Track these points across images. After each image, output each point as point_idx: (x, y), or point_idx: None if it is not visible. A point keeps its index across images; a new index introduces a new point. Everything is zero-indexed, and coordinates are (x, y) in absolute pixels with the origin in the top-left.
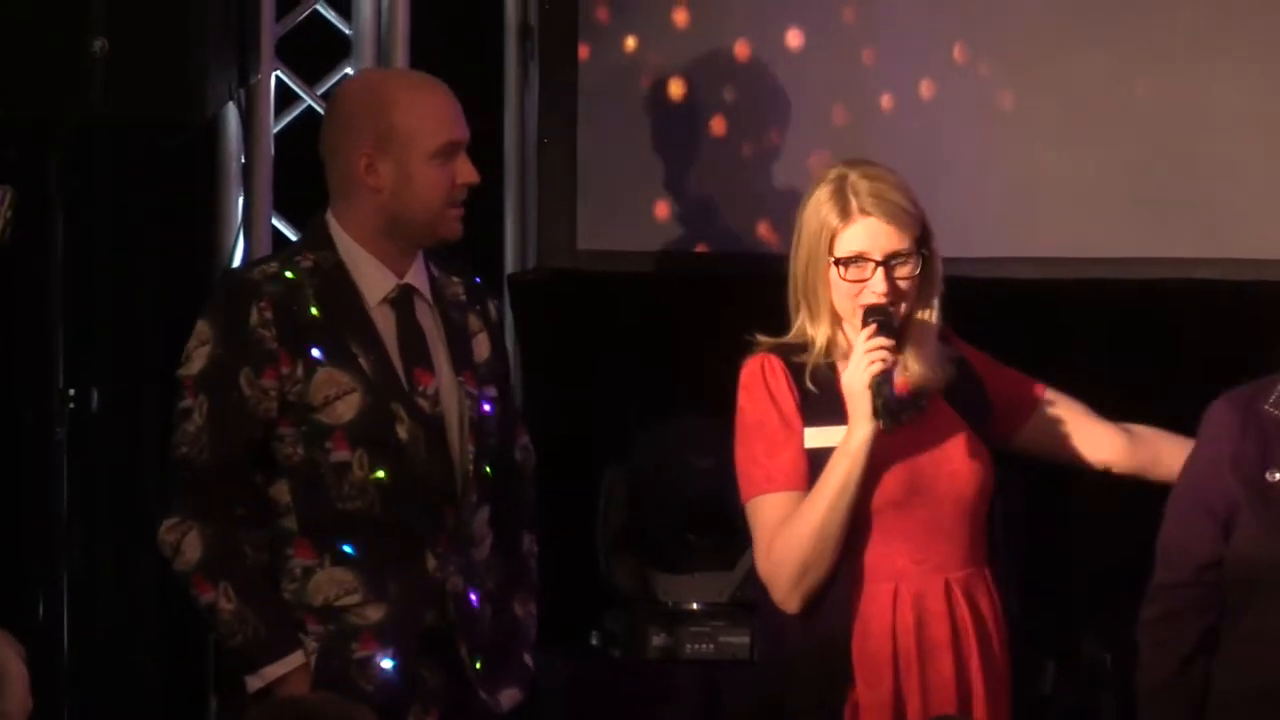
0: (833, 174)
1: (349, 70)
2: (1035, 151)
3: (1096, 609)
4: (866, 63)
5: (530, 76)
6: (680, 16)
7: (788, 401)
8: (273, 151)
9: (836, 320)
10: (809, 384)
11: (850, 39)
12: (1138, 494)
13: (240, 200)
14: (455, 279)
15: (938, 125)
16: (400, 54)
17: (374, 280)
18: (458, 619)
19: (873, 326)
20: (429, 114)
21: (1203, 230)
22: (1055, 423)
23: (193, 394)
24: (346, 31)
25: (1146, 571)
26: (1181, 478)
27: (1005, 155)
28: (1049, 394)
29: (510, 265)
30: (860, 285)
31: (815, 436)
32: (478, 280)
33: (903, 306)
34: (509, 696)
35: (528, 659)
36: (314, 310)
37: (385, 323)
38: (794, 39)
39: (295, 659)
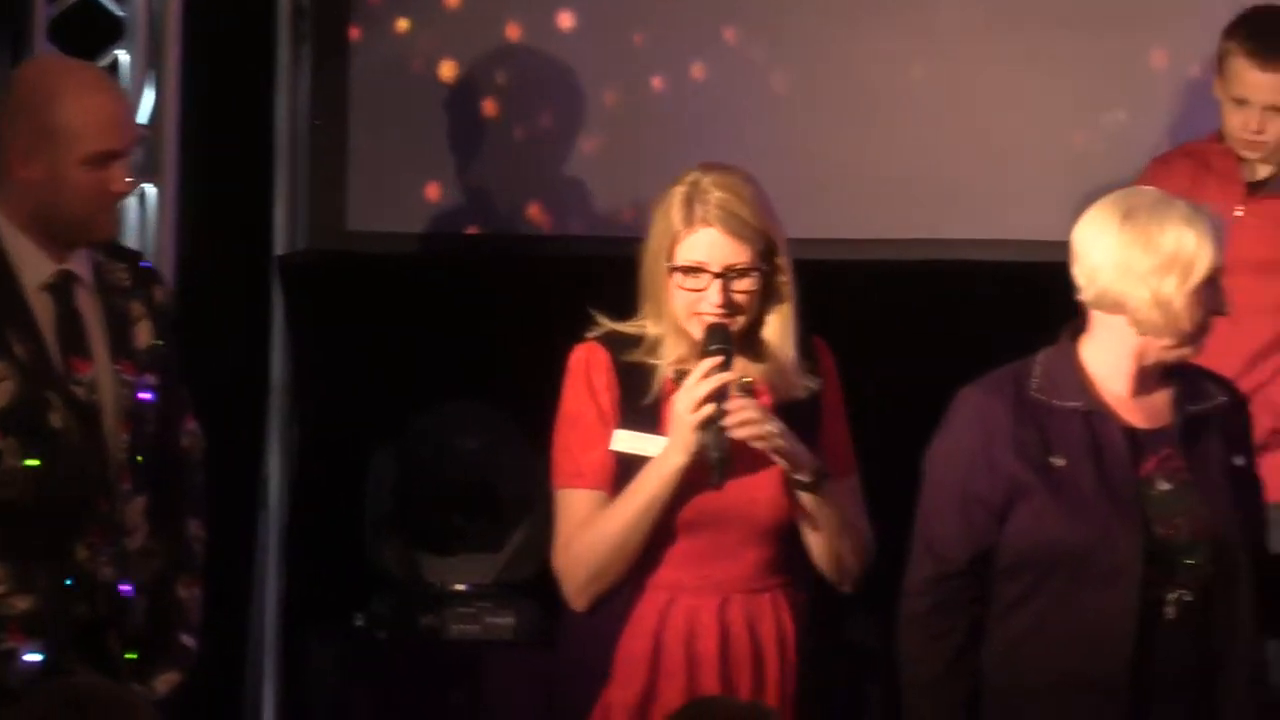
0: (689, 176)
1: (121, 54)
2: (807, 134)
3: (864, 600)
4: (638, 44)
5: (302, 58)
6: None
7: (607, 398)
8: None
9: (673, 322)
10: (633, 383)
11: (621, 20)
12: (894, 485)
13: None
14: (121, 265)
15: (710, 107)
16: (172, 37)
17: (33, 265)
18: (108, 611)
19: (715, 361)
20: (91, 118)
21: (978, 212)
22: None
23: None
24: (119, 14)
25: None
26: (939, 469)
27: (778, 137)
28: (847, 482)
29: (280, 246)
30: (697, 295)
31: (627, 440)
32: (146, 264)
33: (740, 320)
34: (165, 681)
35: (188, 641)
36: None
37: (44, 309)
38: (565, 21)
39: None
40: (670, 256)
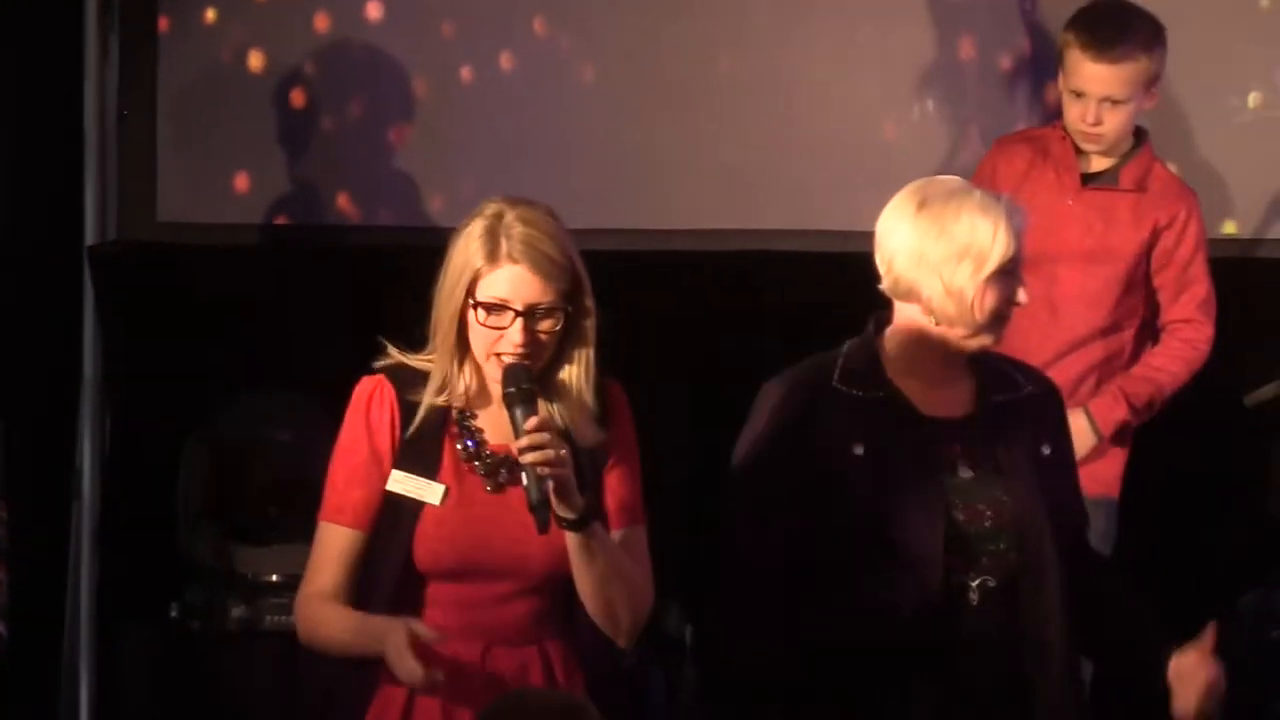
0: (490, 209)
1: None
2: (616, 125)
3: (679, 585)
4: (446, 35)
5: (110, 48)
6: None
7: (384, 440)
8: None
9: (465, 358)
10: (414, 423)
11: (430, 11)
12: (707, 472)
13: None
14: None
15: (518, 98)
16: None
17: None
18: None
19: (535, 420)
20: None
21: (783, 202)
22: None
23: None
24: None
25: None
26: (748, 461)
27: (586, 128)
28: (631, 532)
29: (90, 237)
30: (498, 333)
31: (402, 481)
32: None
33: (543, 357)
34: None
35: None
36: None
37: None
38: (374, 11)
39: None
40: (471, 292)
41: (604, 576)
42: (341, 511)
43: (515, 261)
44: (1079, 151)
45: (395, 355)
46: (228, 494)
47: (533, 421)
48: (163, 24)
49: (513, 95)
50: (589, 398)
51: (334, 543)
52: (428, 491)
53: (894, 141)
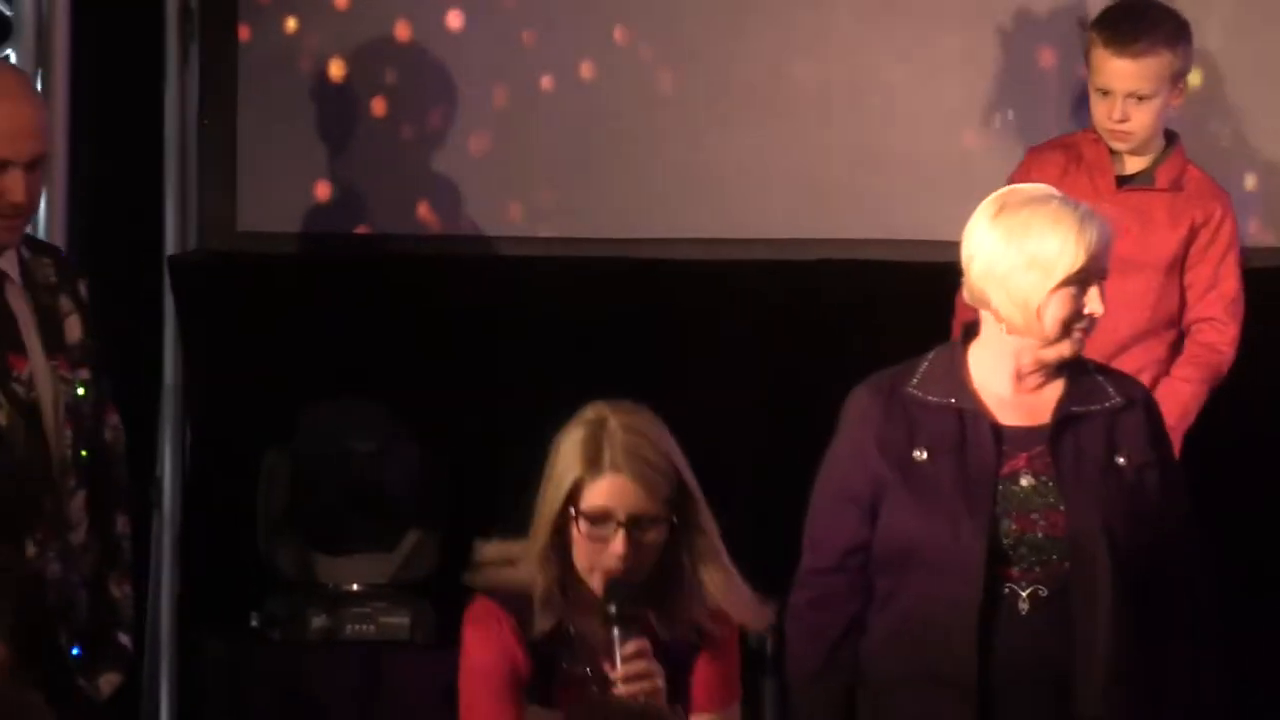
0: (591, 414)
1: (10, 52)
2: (695, 133)
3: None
4: (527, 44)
5: (190, 58)
6: None
7: (518, 662)
8: None
9: (564, 571)
10: (540, 652)
11: (511, 20)
12: (791, 480)
13: None
14: (46, 260)
15: (598, 106)
16: (60, 36)
17: None
18: (58, 606)
19: (633, 646)
20: None
21: (862, 211)
22: None
23: None
24: (7, 13)
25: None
26: (826, 466)
27: (665, 137)
28: (726, 712)
29: (171, 247)
30: (600, 545)
31: (535, 715)
32: (64, 255)
33: (646, 568)
34: (108, 682)
35: (125, 640)
36: None
37: None
38: (454, 20)
39: None
40: (573, 501)
41: None
42: None
43: (618, 471)
44: (1113, 154)
45: (489, 557)
46: (308, 504)
47: (631, 648)
48: (243, 33)
49: (592, 104)
50: (693, 611)
51: None
52: None
53: (973, 151)
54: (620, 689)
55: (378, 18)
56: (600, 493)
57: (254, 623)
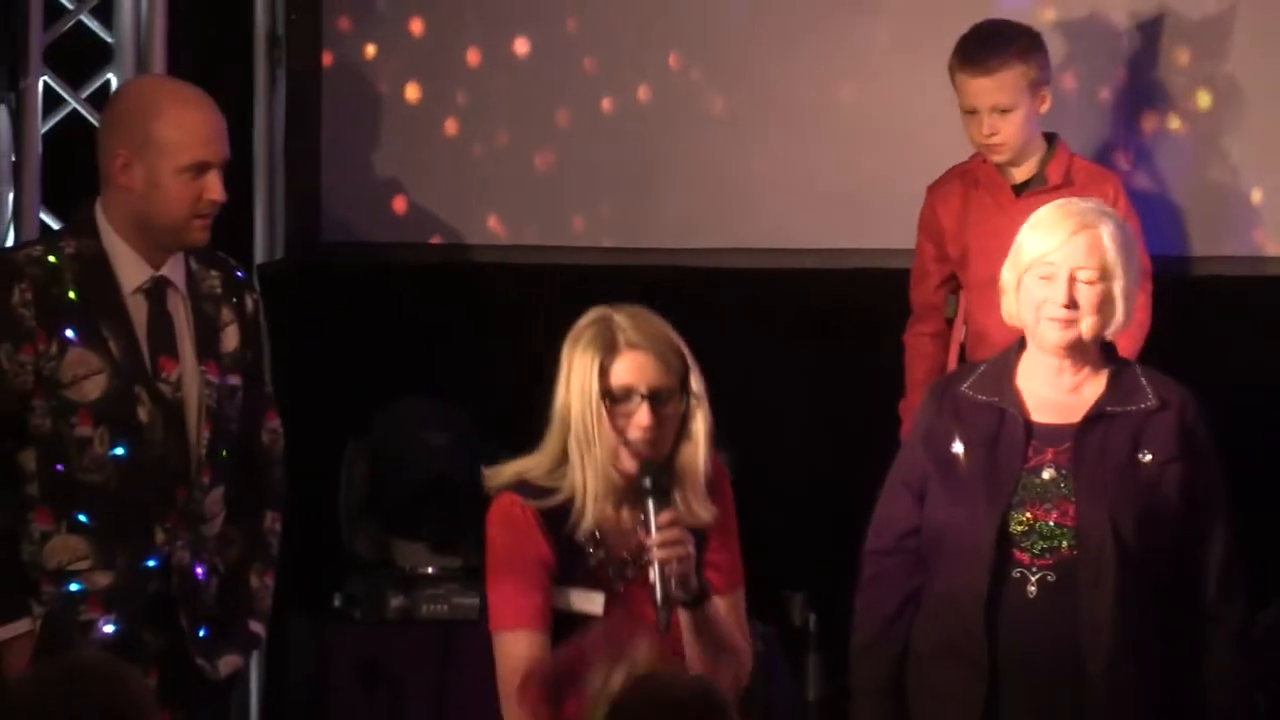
0: (593, 314)
1: (111, 76)
2: (744, 151)
3: (804, 576)
4: (588, 69)
5: (278, 81)
6: (416, 26)
7: (543, 551)
8: (40, 150)
9: (588, 463)
10: (569, 537)
11: (573, 47)
12: (831, 474)
13: (10, 195)
14: (215, 273)
15: (654, 126)
16: (158, 61)
17: (131, 270)
18: (181, 589)
19: (668, 515)
20: (188, 130)
21: (901, 222)
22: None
23: None
24: (109, 39)
25: (853, 542)
26: (898, 457)
27: (716, 154)
28: (732, 596)
29: (260, 256)
30: (627, 421)
31: (565, 597)
32: (240, 274)
33: (668, 443)
34: (228, 663)
35: (255, 627)
36: (72, 294)
37: (138, 311)
38: (521, 47)
39: (21, 625)
40: (602, 383)
41: (712, 646)
42: (522, 614)
43: (635, 348)
44: (1001, 168)
45: (510, 469)
46: (385, 493)
47: (665, 517)
48: (326, 59)
49: (649, 124)
50: (703, 481)
51: (517, 648)
52: (590, 602)
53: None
54: (656, 554)
55: (451, 44)
56: (622, 371)
57: (336, 603)
